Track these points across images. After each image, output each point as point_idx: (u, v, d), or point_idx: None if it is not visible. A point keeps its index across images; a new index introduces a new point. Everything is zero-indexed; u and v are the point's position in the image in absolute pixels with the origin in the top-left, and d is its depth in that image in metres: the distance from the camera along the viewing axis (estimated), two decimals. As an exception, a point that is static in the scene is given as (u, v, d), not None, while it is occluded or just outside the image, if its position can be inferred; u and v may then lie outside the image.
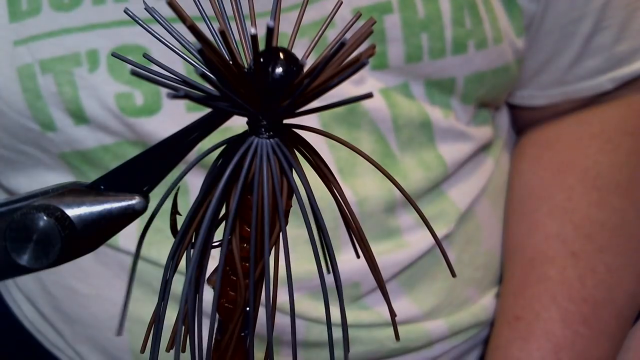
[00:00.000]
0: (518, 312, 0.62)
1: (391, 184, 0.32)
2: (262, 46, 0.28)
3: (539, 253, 0.63)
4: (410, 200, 0.31)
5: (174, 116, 0.56)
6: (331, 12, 0.32)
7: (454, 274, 0.34)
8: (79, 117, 0.56)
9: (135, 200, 0.31)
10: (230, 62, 0.28)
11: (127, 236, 0.54)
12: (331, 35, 0.55)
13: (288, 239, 0.30)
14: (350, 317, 0.58)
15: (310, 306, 0.57)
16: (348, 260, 0.51)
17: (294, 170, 0.30)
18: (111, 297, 0.59)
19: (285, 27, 0.46)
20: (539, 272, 0.62)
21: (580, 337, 0.60)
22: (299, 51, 0.29)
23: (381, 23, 0.58)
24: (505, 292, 0.64)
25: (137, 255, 0.33)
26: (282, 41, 0.33)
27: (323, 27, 0.32)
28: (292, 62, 0.28)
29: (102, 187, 0.32)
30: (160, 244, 0.57)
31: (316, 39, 0.32)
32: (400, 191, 0.31)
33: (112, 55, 0.33)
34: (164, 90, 0.56)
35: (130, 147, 0.57)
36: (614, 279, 0.62)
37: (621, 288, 0.62)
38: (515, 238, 0.66)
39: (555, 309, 0.60)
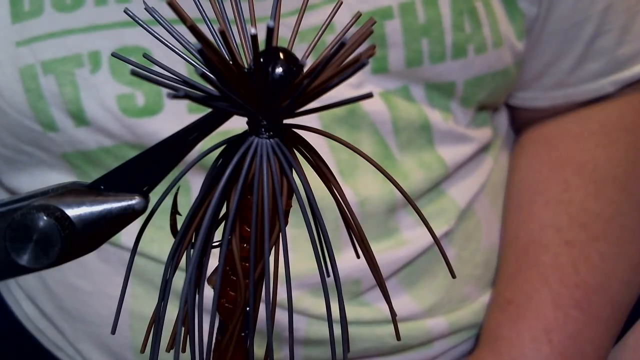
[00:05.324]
0: (509, 295, 0.62)
1: (392, 185, 0.32)
2: (262, 48, 0.28)
3: (532, 241, 0.63)
4: (410, 201, 0.31)
5: (175, 117, 0.56)
6: (330, 14, 0.32)
7: (453, 275, 0.34)
8: (79, 118, 0.56)
9: (135, 201, 0.31)
10: (230, 62, 0.28)
11: (130, 233, 0.54)
12: (330, 40, 0.55)
13: (289, 237, 0.30)
14: (351, 313, 0.58)
15: (310, 303, 0.57)
16: (348, 258, 0.51)
17: (294, 170, 0.30)
18: (113, 294, 0.59)
19: (284, 32, 0.47)
20: (532, 258, 0.63)
21: (572, 320, 0.60)
22: (298, 56, 0.29)
23: (382, 28, 0.58)
24: (498, 278, 0.64)
25: (133, 255, 0.33)
26: (281, 45, 0.33)
27: (322, 30, 0.32)
28: (292, 62, 0.28)
29: (102, 187, 0.32)
30: (162, 241, 0.57)
31: (314, 41, 0.32)
32: (400, 191, 0.31)
33: (112, 55, 0.33)
34: (165, 91, 0.56)
35: (130, 150, 0.57)
36: (608, 266, 0.62)
37: (615, 276, 0.62)
38: (510, 229, 0.66)
39: (547, 292, 0.60)
